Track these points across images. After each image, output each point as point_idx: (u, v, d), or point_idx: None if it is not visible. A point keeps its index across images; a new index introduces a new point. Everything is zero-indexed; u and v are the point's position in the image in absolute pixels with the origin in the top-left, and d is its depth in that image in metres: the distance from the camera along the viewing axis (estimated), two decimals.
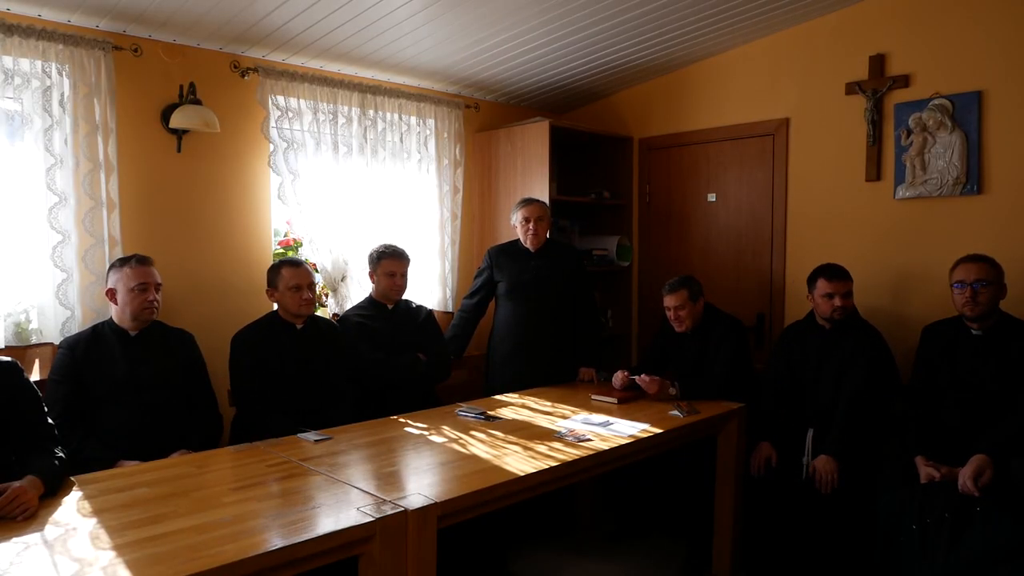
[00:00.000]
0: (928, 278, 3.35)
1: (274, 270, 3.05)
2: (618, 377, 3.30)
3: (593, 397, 3.20)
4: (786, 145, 3.86)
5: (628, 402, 3.14)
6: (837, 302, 3.05)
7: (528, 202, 3.61)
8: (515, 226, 3.63)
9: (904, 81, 3.43)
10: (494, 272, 3.66)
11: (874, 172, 3.52)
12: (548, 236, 3.67)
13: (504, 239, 4.25)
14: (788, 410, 3.13)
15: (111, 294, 2.70)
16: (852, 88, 3.57)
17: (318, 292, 3.83)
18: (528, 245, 3.58)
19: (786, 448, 3.04)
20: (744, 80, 4.01)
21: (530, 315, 3.57)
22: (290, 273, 2.99)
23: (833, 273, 3.10)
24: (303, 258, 3.46)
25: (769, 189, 3.95)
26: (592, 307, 3.77)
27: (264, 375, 2.92)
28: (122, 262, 2.72)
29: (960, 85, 3.27)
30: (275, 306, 3.10)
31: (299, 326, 3.04)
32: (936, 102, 3.31)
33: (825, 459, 2.87)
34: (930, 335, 2.93)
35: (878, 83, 3.49)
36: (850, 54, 3.59)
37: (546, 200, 4.04)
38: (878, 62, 3.50)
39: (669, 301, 3.35)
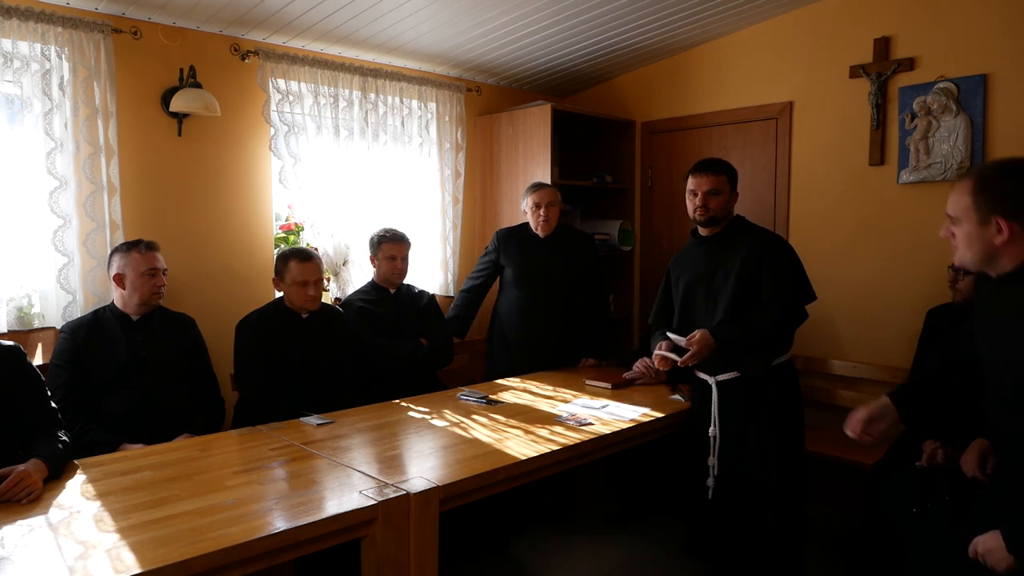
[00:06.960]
0: (931, 262, 3.34)
1: (282, 261, 3.00)
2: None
3: (587, 382, 3.19)
4: (789, 129, 3.83)
5: (621, 387, 3.13)
6: None
7: (538, 187, 3.50)
8: (524, 211, 3.53)
9: (909, 64, 3.40)
10: (500, 256, 3.57)
11: (878, 156, 3.50)
12: (559, 222, 3.55)
13: (506, 224, 4.24)
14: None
15: (119, 279, 2.69)
16: (856, 71, 3.54)
17: None
18: (538, 232, 3.49)
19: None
20: (747, 63, 3.97)
21: (537, 304, 3.48)
22: (298, 269, 2.95)
23: None
24: (315, 248, 3.39)
25: (772, 173, 3.93)
26: (603, 297, 3.71)
27: (269, 362, 2.91)
28: (129, 247, 2.72)
29: (965, 68, 3.24)
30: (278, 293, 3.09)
31: (304, 315, 3.02)
32: (941, 85, 3.28)
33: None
34: (934, 319, 2.92)
35: (882, 66, 3.46)
36: (854, 37, 3.55)
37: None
38: (883, 45, 3.47)
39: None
